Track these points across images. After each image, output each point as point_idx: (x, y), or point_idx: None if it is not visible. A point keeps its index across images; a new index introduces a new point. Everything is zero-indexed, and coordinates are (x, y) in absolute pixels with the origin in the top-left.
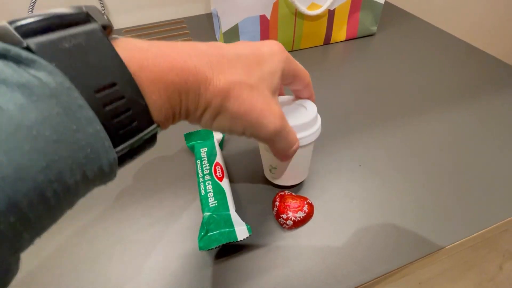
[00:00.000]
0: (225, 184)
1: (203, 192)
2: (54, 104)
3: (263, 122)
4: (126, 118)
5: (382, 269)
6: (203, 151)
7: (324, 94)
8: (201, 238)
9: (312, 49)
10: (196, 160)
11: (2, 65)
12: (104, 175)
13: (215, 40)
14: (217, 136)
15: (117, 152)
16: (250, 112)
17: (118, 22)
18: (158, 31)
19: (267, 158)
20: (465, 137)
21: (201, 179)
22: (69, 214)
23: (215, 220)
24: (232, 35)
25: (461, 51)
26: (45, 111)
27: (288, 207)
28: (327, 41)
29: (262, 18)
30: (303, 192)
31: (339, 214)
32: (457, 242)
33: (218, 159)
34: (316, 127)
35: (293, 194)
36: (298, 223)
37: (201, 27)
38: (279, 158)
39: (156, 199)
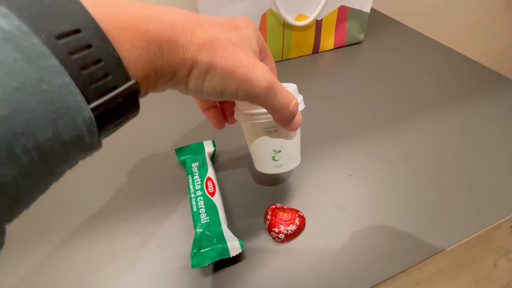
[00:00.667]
0: (216, 199)
1: (195, 209)
2: (11, 48)
3: (254, 76)
4: (97, 70)
5: (374, 279)
6: (195, 166)
7: (313, 102)
8: (193, 255)
9: (301, 58)
10: (187, 175)
11: None
12: (83, 138)
13: None
14: (208, 149)
15: (91, 110)
16: (239, 65)
17: None
18: None
19: (269, 144)
20: (453, 141)
21: (192, 195)
22: (61, 234)
23: (207, 236)
24: None
25: (445, 57)
26: (0, 54)
27: (279, 221)
28: (315, 50)
29: None
30: (295, 204)
31: (331, 225)
32: (451, 247)
33: (210, 173)
34: (301, 97)
35: (285, 207)
36: (290, 236)
37: None
38: (284, 121)
39: (147, 216)
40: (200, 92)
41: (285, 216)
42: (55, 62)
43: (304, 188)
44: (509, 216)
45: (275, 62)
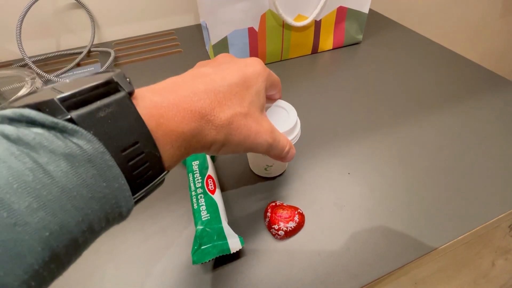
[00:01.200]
0: (217, 196)
1: (195, 206)
2: (91, 167)
3: (259, 142)
4: (144, 169)
5: (371, 276)
6: (195, 164)
7: (313, 102)
8: (194, 252)
9: (300, 59)
10: (188, 173)
11: (52, 136)
12: (122, 218)
13: (206, 51)
14: None
15: (134, 199)
16: (248, 137)
17: (108, 35)
18: (148, 43)
19: (262, 160)
20: (451, 140)
21: (193, 193)
22: None
23: (208, 233)
24: (222, 47)
25: (442, 57)
26: (83, 174)
27: (279, 218)
28: (314, 50)
29: (251, 30)
30: (294, 202)
31: (329, 222)
32: (447, 244)
33: (210, 171)
34: (297, 130)
35: (284, 204)
36: (289, 233)
37: (191, 38)
38: (279, 159)
39: (149, 214)
40: (215, 154)
41: (284, 213)
42: (117, 170)
43: (304, 186)
44: (504, 214)
45: (275, 62)
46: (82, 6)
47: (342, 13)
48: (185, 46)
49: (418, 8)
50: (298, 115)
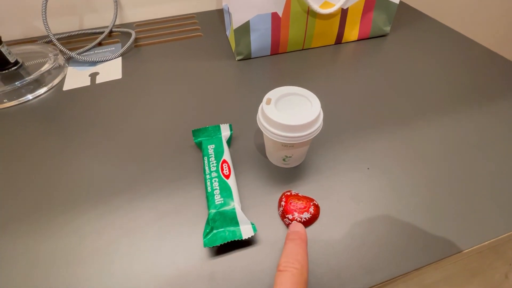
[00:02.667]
0: (231, 181)
1: (209, 189)
2: None
3: None
4: None
5: (386, 274)
6: (211, 148)
7: (334, 95)
8: (206, 235)
9: (323, 48)
10: (203, 156)
11: None
12: None
13: (226, 36)
14: (225, 133)
15: None
16: None
17: (130, 16)
18: (169, 26)
19: (283, 152)
20: (477, 141)
21: (207, 176)
22: (77, 206)
23: (220, 217)
24: (243, 31)
25: (474, 54)
26: None
27: (294, 208)
28: (338, 40)
29: (274, 15)
30: (309, 193)
31: (345, 216)
32: (469, 249)
33: (226, 156)
34: (320, 121)
35: (299, 194)
36: (303, 224)
37: (212, 23)
38: None
39: (163, 194)
40: None
41: (299, 203)
42: None
43: (321, 178)
44: None
45: (296, 50)
46: None
47: (371, 2)
48: (205, 31)
49: (452, 2)
50: None
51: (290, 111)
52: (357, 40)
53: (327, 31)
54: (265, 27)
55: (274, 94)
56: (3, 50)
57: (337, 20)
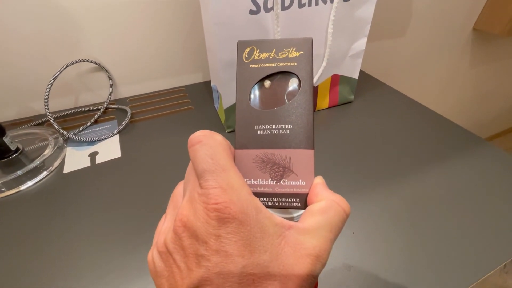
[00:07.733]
0: None
1: None
2: None
3: None
4: None
5: None
6: None
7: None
8: None
9: None
10: None
11: None
12: None
13: (214, 108)
14: None
15: None
16: None
17: (123, 92)
18: (161, 100)
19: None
20: (440, 199)
21: None
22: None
23: None
24: (233, 110)
25: (419, 114)
26: None
27: None
28: (313, 109)
29: None
30: None
31: (339, 285)
32: None
33: None
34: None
35: None
36: None
37: (200, 95)
38: None
39: None
40: None
41: None
42: None
43: None
44: (494, 270)
45: None
46: (103, 69)
47: (336, 79)
48: (195, 103)
49: (397, 66)
50: None
51: None
52: (328, 108)
53: None
54: None
55: None
56: (6, 141)
57: None
